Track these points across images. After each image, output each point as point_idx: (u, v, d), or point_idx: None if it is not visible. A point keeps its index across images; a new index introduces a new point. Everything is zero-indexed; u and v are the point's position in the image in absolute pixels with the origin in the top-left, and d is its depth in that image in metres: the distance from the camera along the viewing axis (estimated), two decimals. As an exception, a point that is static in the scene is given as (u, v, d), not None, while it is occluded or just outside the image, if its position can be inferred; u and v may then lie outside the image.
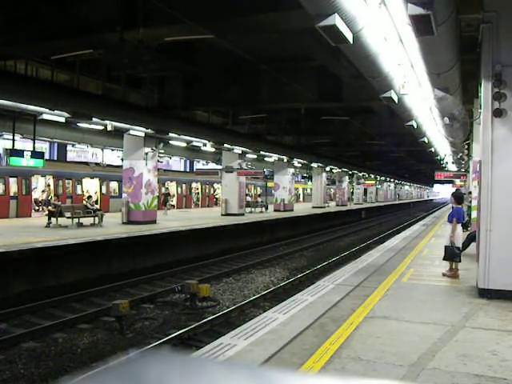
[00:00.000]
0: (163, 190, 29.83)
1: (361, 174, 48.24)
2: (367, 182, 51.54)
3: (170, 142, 20.98)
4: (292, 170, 31.66)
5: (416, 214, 51.59)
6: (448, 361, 4.57)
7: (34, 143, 19.09)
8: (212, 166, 34.86)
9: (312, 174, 39.18)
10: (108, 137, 22.49)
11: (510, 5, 7.12)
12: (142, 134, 17.56)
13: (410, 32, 6.93)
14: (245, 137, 23.90)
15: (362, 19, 6.92)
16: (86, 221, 17.50)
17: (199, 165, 41.27)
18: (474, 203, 12.38)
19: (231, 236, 19.78)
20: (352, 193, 50.80)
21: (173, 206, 31.83)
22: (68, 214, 16.98)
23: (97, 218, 17.60)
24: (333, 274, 9.69)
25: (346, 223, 34.28)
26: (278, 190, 31.14)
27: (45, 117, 13.73)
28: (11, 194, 20.51)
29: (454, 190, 18.68)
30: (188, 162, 47.69)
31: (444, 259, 9.08)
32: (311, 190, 43.33)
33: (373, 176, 51.67)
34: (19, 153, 17.98)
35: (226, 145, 22.26)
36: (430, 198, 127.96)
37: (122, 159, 20.17)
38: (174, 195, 32.14)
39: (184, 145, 22.20)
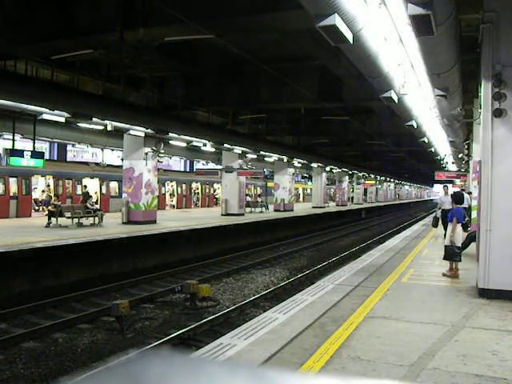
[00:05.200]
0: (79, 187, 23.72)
1: (361, 174, 48.23)
2: (367, 182, 51.53)
3: (170, 142, 20.98)
4: (292, 170, 31.65)
5: (416, 213, 51.61)
6: (448, 361, 4.57)
7: (34, 143, 19.09)
8: (212, 165, 34.86)
9: (312, 174, 39.16)
10: (108, 137, 22.48)
11: (510, 5, 7.12)
12: (142, 134, 17.56)
13: (410, 32, 6.94)
14: (245, 137, 23.89)
15: (362, 19, 6.92)
16: (86, 221, 17.51)
17: (199, 165, 41.27)
18: (474, 203, 12.37)
19: (231, 236, 19.78)
20: (352, 192, 50.82)
21: (173, 206, 31.89)
22: (68, 214, 16.99)
23: (97, 218, 17.61)
24: (333, 274, 9.69)
25: (345, 223, 34.28)
26: (278, 190, 31.14)
27: (45, 117, 13.73)
28: (11, 193, 20.51)
29: (453, 190, 18.67)
30: (188, 162, 47.71)
31: (444, 259, 9.09)
32: (311, 190, 43.34)
33: (373, 176, 51.66)
34: (19, 153, 17.97)
35: (226, 145, 22.24)
36: (430, 197, 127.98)
37: (122, 159, 20.17)
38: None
39: (184, 145, 22.19)
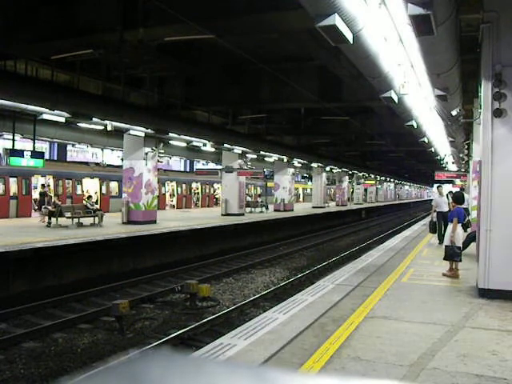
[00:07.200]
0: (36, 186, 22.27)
1: (361, 174, 48.23)
2: (367, 182, 51.52)
3: (170, 142, 20.97)
4: (292, 170, 31.65)
5: (416, 213, 51.61)
6: (448, 361, 4.57)
7: (34, 143, 19.09)
8: (212, 165, 34.86)
9: (312, 174, 39.16)
10: (108, 137, 22.48)
11: (510, 5, 7.12)
12: (142, 134, 17.56)
13: (410, 32, 6.93)
14: (245, 137, 23.89)
15: (362, 19, 6.92)
16: (86, 221, 17.51)
17: (199, 165, 41.27)
18: (474, 203, 12.37)
19: (231, 236, 19.78)
20: (352, 193, 50.83)
21: (173, 206, 31.89)
22: (68, 214, 16.99)
23: (97, 218, 17.61)
24: (333, 273, 9.70)
25: (345, 223, 34.28)
26: (278, 190, 31.13)
27: (45, 117, 13.73)
28: (11, 193, 20.51)
29: (452, 190, 18.36)
30: (188, 161, 47.70)
31: (444, 259, 9.09)
32: (311, 189, 43.34)
33: (373, 176, 51.66)
34: (19, 153, 17.98)
35: (225, 145, 22.25)
36: (430, 197, 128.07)
37: (122, 159, 20.18)
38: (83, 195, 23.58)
39: (184, 145, 22.19)
